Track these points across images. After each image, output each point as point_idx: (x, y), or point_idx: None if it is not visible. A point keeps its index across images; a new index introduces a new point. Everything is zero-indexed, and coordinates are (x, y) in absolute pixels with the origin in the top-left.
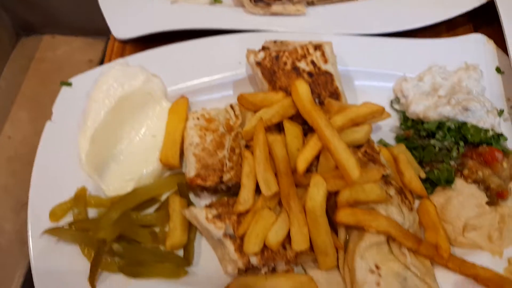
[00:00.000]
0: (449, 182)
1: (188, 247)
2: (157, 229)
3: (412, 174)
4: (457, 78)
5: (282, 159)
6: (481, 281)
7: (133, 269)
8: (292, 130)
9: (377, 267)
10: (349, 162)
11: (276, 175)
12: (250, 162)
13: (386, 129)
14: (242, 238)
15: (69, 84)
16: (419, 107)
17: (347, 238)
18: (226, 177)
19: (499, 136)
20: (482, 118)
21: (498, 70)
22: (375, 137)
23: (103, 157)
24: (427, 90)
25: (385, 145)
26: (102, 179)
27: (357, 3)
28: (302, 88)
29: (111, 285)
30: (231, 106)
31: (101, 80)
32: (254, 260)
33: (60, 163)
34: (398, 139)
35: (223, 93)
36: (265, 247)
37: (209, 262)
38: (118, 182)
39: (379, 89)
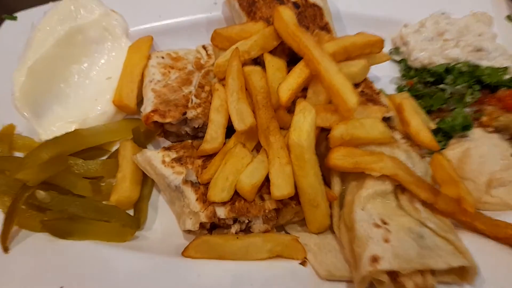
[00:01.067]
0: (466, 129)
1: (140, 204)
2: (103, 184)
3: (420, 123)
4: (464, 23)
5: (261, 89)
6: None
7: (62, 227)
8: (274, 63)
9: (383, 221)
10: (345, 87)
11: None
12: (221, 94)
13: (386, 80)
14: (207, 186)
15: (14, 18)
16: (422, 53)
17: (343, 191)
18: (191, 113)
19: None
20: (498, 61)
21: (509, 18)
22: None
23: (42, 95)
24: (430, 35)
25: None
26: (39, 121)
27: None
28: (286, 14)
29: (31, 248)
30: (203, 46)
31: (51, 11)
32: (222, 212)
33: None
34: (400, 90)
35: (196, 36)
36: (237, 196)
37: (165, 225)
38: (57, 125)
39: None
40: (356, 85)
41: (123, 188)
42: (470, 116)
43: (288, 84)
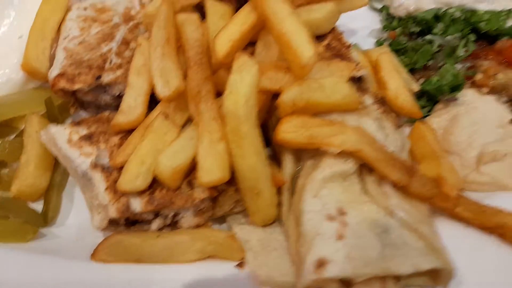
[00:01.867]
0: (456, 90)
1: (49, 195)
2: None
3: (400, 84)
4: None
5: (195, 43)
6: (508, 234)
7: None
8: (218, 8)
9: (340, 211)
10: (298, 35)
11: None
12: (144, 51)
13: (364, 33)
14: (121, 170)
15: None
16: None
17: (297, 173)
18: (107, 77)
19: None
20: (501, 3)
21: None
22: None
23: None
24: None
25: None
26: None
27: None
28: None
29: None
30: None
31: None
32: (137, 204)
33: None
34: (380, 45)
35: None
36: (158, 183)
37: (83, 220)
38: None
39: None
40: (321, 37)
41: (26, 175)
42: (462, 74)
43: (228, 33)
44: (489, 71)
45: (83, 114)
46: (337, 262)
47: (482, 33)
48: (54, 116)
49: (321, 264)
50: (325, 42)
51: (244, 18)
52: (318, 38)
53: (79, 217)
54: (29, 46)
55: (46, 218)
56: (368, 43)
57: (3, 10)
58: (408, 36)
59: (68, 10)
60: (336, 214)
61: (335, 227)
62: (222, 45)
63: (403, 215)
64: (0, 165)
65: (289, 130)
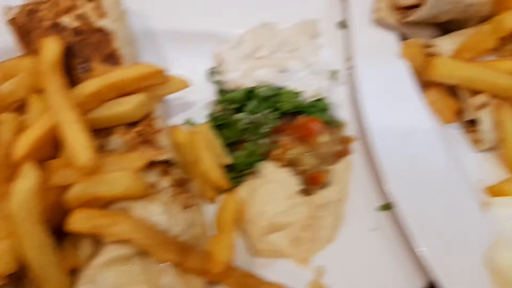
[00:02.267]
0: (251, 164)
1: None
2: None
3: (210, 160)
4: (285, 35)
5: (3, 143)
6: None
7: None
8: (39, 106)
9: None
10: (77, 141)
11: None
12: None
13: (200, 105)
14: None
15: None
16: (235, 74)
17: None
18: None
19: (318, 103)
20: (305, 81)
21: (341, 24)
22: (182, 117)
23: None
24: (247, 52)
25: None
26: None
27: None
28: (48, 47)
29: None
30: None
31: None
32: None
33: None
34: (211, 117)
35: None
36: None
37: None
38: None
39: (195, 58)
40: (134, 124)
41: None
42: (264, 149)
43: (25, 139)
44: (285, 146)
45: None
46: None
47: (284, 111)
48: None
49: None
50: (137, 128)
51: (43, 122)
52: (132, 124)
53: None
54: None
55: None
56: (201, 116)
57: None
58: (230, 111)
59: None
60: None
61: None
62: (20, 150)
63: None
64: None
65: (76, 221)
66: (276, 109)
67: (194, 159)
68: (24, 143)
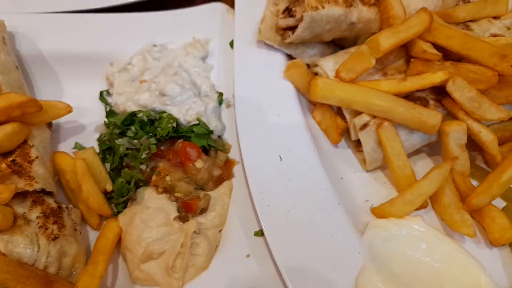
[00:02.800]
0: (129, 190)
1: None
2: None
3: (91, 187)
4: (173, 57)
5: None
6: None
7: None
8: None
9: None
10: None
11: None
12: None
13: (91, 128)
14: None
15: None
16: (121, 97)
17: None
18: None
19: (194, 128)
20: (186, 105)
21: (231, 44)
22: (72, 140)
23: None
24: (135, 75)
25: (81, 149)
26: None
27: None
28: None
29: None
30: None
31: None
32: None
33: None
34: (100, 141)
35: None
36: None
37: None
38: None
39: (88, 80)
40: (7, 154)
41: None
42: (145, 175)
43: None
44: (163, 172)
45: None
46: None
47: (162, 137)
48: None
49: None
50: (11, 158)
51: None
52: (5, 154)
53: None
54: None
55: None
56: (92, 139)
57: None
58: (116, 135)
59: None
60: None
61: None
62: None
63: None
64: None
65: None
66: (155, 134)
67: (77, 186)
68: None
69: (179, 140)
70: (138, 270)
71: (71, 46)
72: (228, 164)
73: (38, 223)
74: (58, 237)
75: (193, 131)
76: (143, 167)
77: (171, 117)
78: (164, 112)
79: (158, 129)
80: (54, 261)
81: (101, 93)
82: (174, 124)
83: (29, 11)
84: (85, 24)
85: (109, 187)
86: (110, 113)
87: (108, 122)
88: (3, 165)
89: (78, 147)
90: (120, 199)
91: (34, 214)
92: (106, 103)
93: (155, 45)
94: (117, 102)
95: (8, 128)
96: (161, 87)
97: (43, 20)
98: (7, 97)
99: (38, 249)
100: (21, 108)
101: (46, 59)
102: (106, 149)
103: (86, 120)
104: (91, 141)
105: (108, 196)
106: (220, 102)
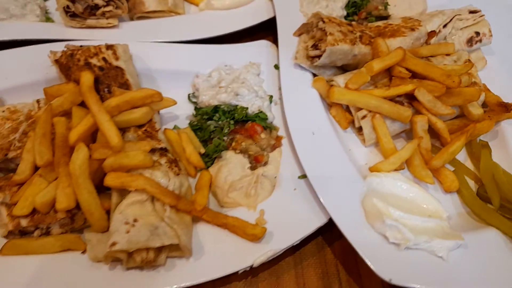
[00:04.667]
0: (218, 151)
1: None
2: None
3: (192, 149)
4: (238, 72)
5: (60, 135)
6: (229, 228)
7: None
8: (78, 113)
9: (135, 220)
10: (110, 131)
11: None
12: (32, 139)
13: (183, 117)
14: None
15: None
16: (206, 97)
17: (120, 201)
18: (11, 154)
19: (259, 114)
20: (251, 101)
21: (276, 66)
22: (171, 124)
23: None
24: (214, 83)
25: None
26: None
27: (169, 18)
28: (84, 77)
29: None
30: (37, 100)
31: None
32: (24, 222)
33: None
34: (190, 125)
35: (38, 92)
36: (36, 211)
37: None
38: None
39: (179, 87)
40: (141, 126)
41: None
42: (226, 142)
43: (76, 130)
44: (239, 141)
45: None
46: (121, 243)
47: (238, 119)
48: None
49: (113, 244)
50: (143, 128)
51: (86, 121)
52: (140, 126)
53: None
54: None
55: None
56: (185, 124)
57: None
58: (203, 120)
59: None
60: (131, 221)
61: (127, 227)
62: (72, 136)
63: (168, 220)
64: None
65: (110, 180)
66: (232, 118)
67: (181, 149)
68: (76, 133)
69: (249, 122)
70: (226, 197)
71: (169, 66)
72: (278, 138)
73: (167, 165)
74: (178, 174)
75: (257, 117)
76: (225, 138)
77: (243, 108)
78: (237, 105)
79: (235, 114)
80: (177, 188)
81: (189, 95)
82: (245, 112)
83: (142, 40)
84: (179, 50)
85: (202, 150)
86: (197, 108)
87: (195, 113)
88: (140, 132)
89: (176, 128)
90: (209, 158)
91: (163, 160)
92: (192, 102)
93: (226, 65)
94: (202, 100)
95: (144, 109)
96: (235, 90)
97: (150, 46)
98: (144, 90)
99: (168, 180)
100: (151, 98)
101: (152, 73)
102: (196, 129)
103: (179, 112)
104: (183, 125)
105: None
106: (271, 101)
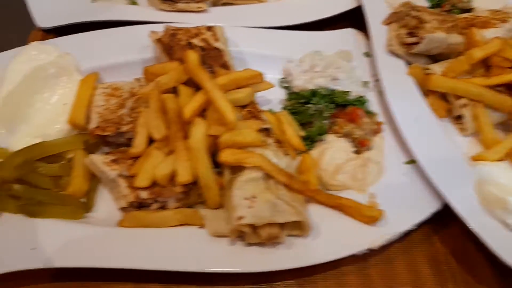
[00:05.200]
0: (321, 135)
1: (89, 194)
2: (62, 181)
3: (292, 132)
4: (331, 58)
5: (173, 110)
6: (344, 209)
7: (32, 209)
8: (185, 91)
9: (253, 196)
10: (226, 107)
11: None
12: (144, 114)
13: (276, 101)
14: (134, 177)
15: None
16: (300, 81)
17: (232, 179)
18: (123, 128)
19: (360, 99)
20: (349, 86)
21: (366, 54)
22: (265, 108)
23: (14, 117)
24: (306, 68)
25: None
26: (12, 137)
27: (254, 5)
28: (192, 56)
29: (9, 226)
30: (137, 79)
31: (19, 53)
32: (144, 194)
33: None
34: (284, 109)
35: (134, 71)
36: (156, 184)
37: (108, 208)
38: (26, 140)
39: (269, 72)
40: (244, 106)
41: (77, 182)
42: (327, 126)
43: (190, 106)
44: (341, 125)
45: (105, 149)
46: (247, 217)
47: (338, 103)
48: (90, 150)
49: (240, 218)
50: (247, 109)
51: (199, 98)
52: (243, 106)
53: (105, 207)
54: (74, 110)
55: (88, 207)
56: (278, 107)
57: (57, 89)
58: (299, 104)
59: (95, 88)
60: (250, 197)
61: (248, 203)
62: (187, 111)
63: (285, 198)
64: (58, 177)
65: (225, 156)
66: (332, 102)
67: (280, 131)
68: (191, 108)
69: (349, 106)
70: (333, 179)
71: (261, 50)
72: (378, 123)
73: (275, 145)
74: (287, 154)
75: (358, 101)
76: (325, 122)
77: (344, 92)
78: (334, 90)
79: (336, 98)
80: (287, 167)
81: (280, 80)
82: (346, 96)
83: (230, 25)
84: (270, 36)
85: (301, 133)
86: (289, 92)
87: (289, 97)
88: (244, 112)
89: (270, 111)
90: (309, 142)
91: (270, 140)
92: (283, 87)
93: (316, 51)
94: (297, 84)
95: (248, 90)
96: (333, 75)
97: (243, 31)
98: (248, 71)
99: (278, 159)
100: (254, 79)
101: (244, 57)
102: (293, 113)
103: (271, 96)
104: (277, 109)
105: None
106: (364, 87)
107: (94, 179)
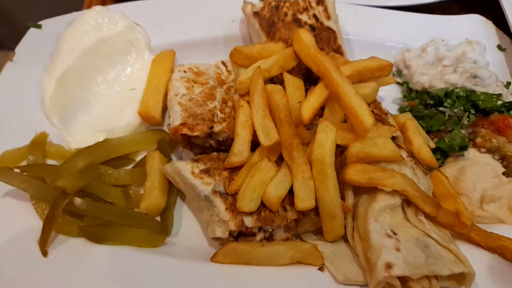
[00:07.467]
0: (463, 149)
1: (166, 212)
2: (131, 192)
3: (421, 142)
4: (461, 50)
5: (283, 107)
6: (508, 254)
7: (98, 232)
8: (294, 82)
9: (393, 232)
10: (362, 108)
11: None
12: (245, 111)
13: (389, 100)
14: (234, 196)
15: (38, 26)
16: (424, 77)
17: (355, 203)
18: (217, 127)
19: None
20: (492, 87)
21: (499, 47)
22: None
23: (70, 104)
24: (431, 60)
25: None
26: (67, 129)
27: None
28: (306, 36)
29: (69, 252)
30: (223, 62)
31: (77, 20)
32: (249, 221)
33: (19, 106)
34: (402, 111)
35: (214, 51)
36: (262, 206)
37: (190, 232)
38: (85, 134)
39: None
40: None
41: (153, 196)
42: (466, 137)
43: (309, 103)
44: (486, 136)
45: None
46: (399, 265)
47: (479, 108)
48: (166, 152)
49: (388, 266)
50: (370, 108)
51: (320, 93)
52: None
53: (187, 230)
54: (146, 98)
55: (167, 230)
56: (392, 109)
57: (123, 69)
58: (424, 106)
59: (171, 71)
60: (391, 233)
61: (393, 242)
62: (306, 112)
63: (436, 237)
64: (126, 187)
65: (354, 173)
66: (472, 106)
67: (406, 140)
68: (310, 107)
69: (495, 113)
70: (479, 209)
71: (367, 32)
72: None
73: (410, 160)
74: (427, 173)
75: (504, 106)
76: (462, 131)
77: (493, 94)
78: (474, 91)
79: (479, 102)
80: (428, 191)
81: (394, 73)
82: (499, 102)
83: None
84: (383, 17)
85: (432, 144)
86: (409, 90)
87: (408, 96)
88: None
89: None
90: (440, 156)
91: (403, 154)
92: (398, 83)
93: (442, 40)
94: (419, 80)
95: (373, 85)
96: (472, 71)
97: (347, 9)
98: (376, 60)
99: (419, 181)
100: (382, 71)
101: (348, 41)
102: (417, 117)
103: (381, 94)
104: (390, 110)
105: None
106: (507, 88)
107: (171, 191)
